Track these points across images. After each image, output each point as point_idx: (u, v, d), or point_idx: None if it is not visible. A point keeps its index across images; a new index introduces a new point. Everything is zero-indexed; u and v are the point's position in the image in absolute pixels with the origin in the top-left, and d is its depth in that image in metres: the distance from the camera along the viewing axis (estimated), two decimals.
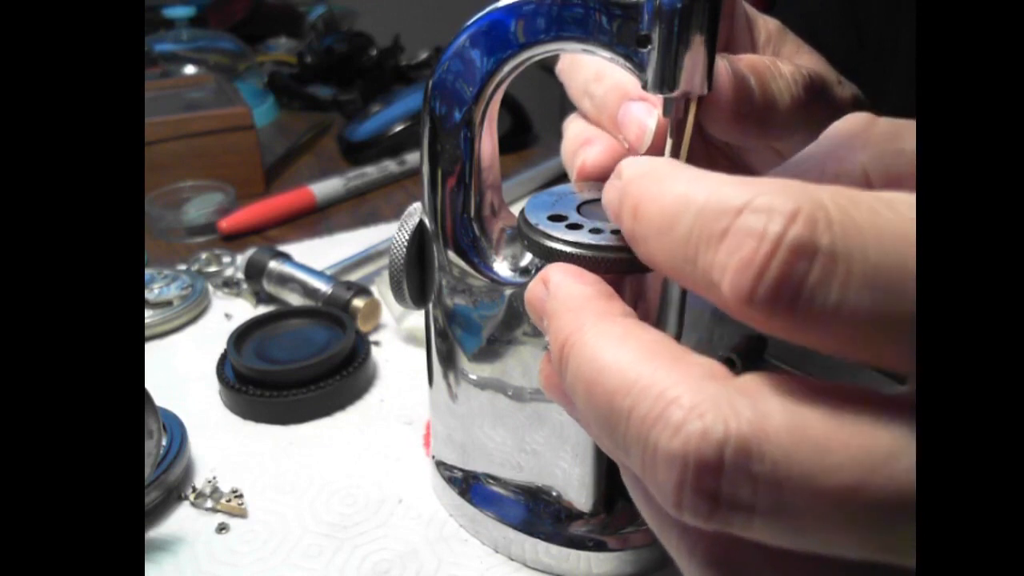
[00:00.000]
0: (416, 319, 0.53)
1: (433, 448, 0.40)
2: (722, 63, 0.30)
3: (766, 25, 0.38)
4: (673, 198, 0.17)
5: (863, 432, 0.15)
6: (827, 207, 0.15)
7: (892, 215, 0.15)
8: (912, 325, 0.14)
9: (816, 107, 0.33)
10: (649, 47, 0.27)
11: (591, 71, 0.36)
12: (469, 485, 0.38)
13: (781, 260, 0.15)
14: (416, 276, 0.35)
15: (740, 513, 0.15)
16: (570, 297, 0.20)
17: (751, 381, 0.16)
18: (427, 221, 0.34)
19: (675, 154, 0.31)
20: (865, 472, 0.14)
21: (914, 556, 0.15)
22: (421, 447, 0.44)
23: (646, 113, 0.32)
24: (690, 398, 0.16)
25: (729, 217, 0.16)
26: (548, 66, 0.42)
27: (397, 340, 0.54)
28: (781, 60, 0.33)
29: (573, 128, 0.36)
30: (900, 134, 0.20)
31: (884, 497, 0.14)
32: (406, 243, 0.34)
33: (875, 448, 0.14)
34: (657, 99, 0.31)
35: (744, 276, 0.15)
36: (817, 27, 0.62)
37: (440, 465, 0.40)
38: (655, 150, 0.32)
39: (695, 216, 0.16)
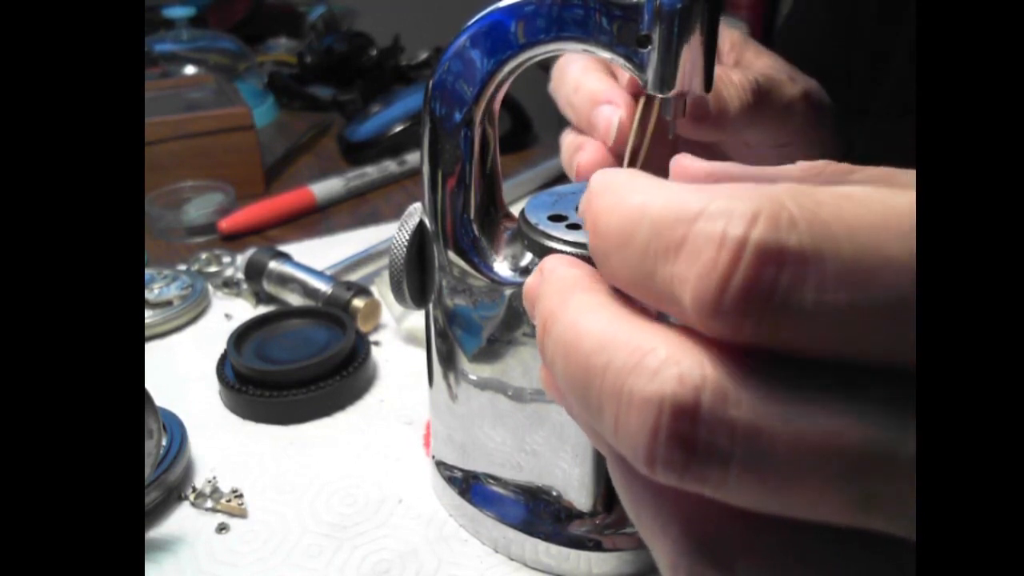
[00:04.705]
0: (416, 319, 0.53)
1: (433, 448, 0.40)
2: None
3: (731, 35, 0.44)
4: (629, 210, 0.16)
5: (842, 392, 0.15)
6: (788, 206, 0.14)
7: (856, 207, 0.14)
8: (899, 314, 0.14)
9: (765, 106, 0.40)
10: (649, 47, 0.28)
11: (571, 85, 0.41)
12: (469, 485, 0.38)
13: (747, 265, 0.14)
14: (416, 276, 0.35)
15: (715, 464, 0.15)
16: (559, 279, 0.20)
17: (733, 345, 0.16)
18: (427, 221, 0.34)
19: (636, 150, 0.35)
20: (844, 425, 0.14)
21: (889, 519, 0.15)
22: (421, 447, 0.44)
23: (612, 112, 0.37)
24: (667, 349, 0.15)
25: (685, 224, 0.15)
26: (548, 66, 0.43)
27: (397, 340, 0.54)
28: (733, 69, 0.39)
29: (567, 139, 0.41)
30: (853, 170, 0.21)
31: (863, 447, 0.14)
32: (406, 243, 0.34)
33: (854, 408, 0.14)
34: (622, 100, 0.37)
35: (707, 286, 0.14)
36: (810, 29, 0.63)
37: (440, 465, 0.40)
38: (621, 142, 0.36)
39: (651, 227, 0.15)
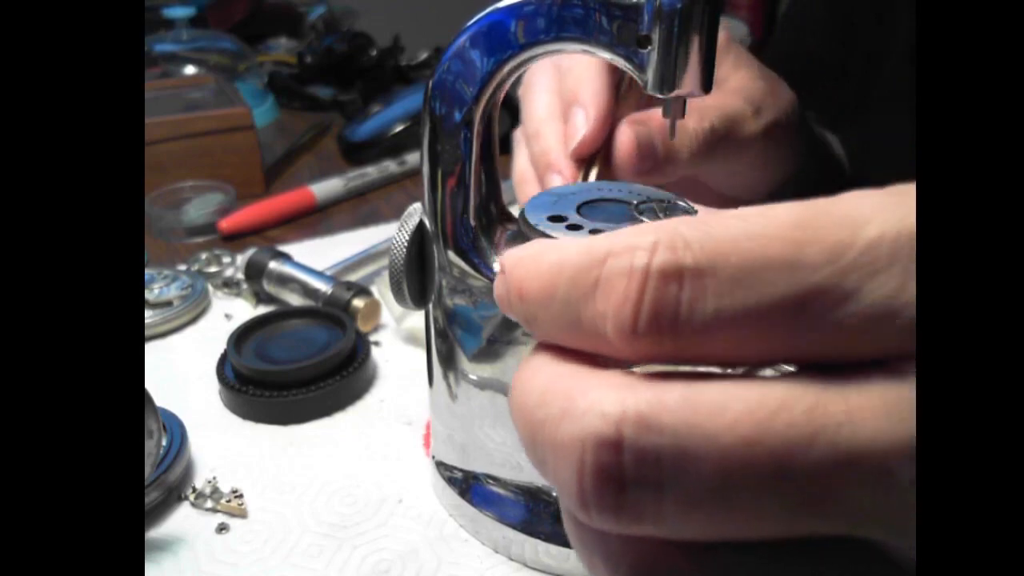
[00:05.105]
0: (416, 319, 0.53)
1: (433, 448, 0.40)
2: (625, 130, 0.39)
3: None
4: (548, 267, 0.17)
5: (755, 388, 0.15)
6: (683, 232, 0.16)
7: (739, 222, 0.16)
8: (786, 311, 0.15)
9: (719, 148, 0.42)
10: (649, 48, 0.28)
11: (532, 127, 0.44)
12: (469, 485, 0.38)
13: (653, 287, 0.15)
14: (416, 276, 0.35)
15: (649, 494, 0.15)
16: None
17: (658, 372, 0.16)
18: (427, 221, 0.34)
19: None
20: (761, 420, 0.15)
21: (831, 519, 0.15)
22: (421, 447, 0.44)
23: (559, 183, 0.41)
24: (595, 393, 0.16)
25: (598, 266, 0.16)
26: None
27: (397, 340, 0.54)
28: (690, 112, 0.40)
29: (519, 162, 0.46)
30: None
31: (785, 443, 0.14)
32: (406, 243, 0.34)
33: (768, 398, 0.15)
34: (568, 172, 0.40)
35: (623, 313, 0.16)
36: (807, 29, 0.63)
37: (440, 465, 0.40)
38: None
39: (569, 277, 0.17)
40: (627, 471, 0.15)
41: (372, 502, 0.40)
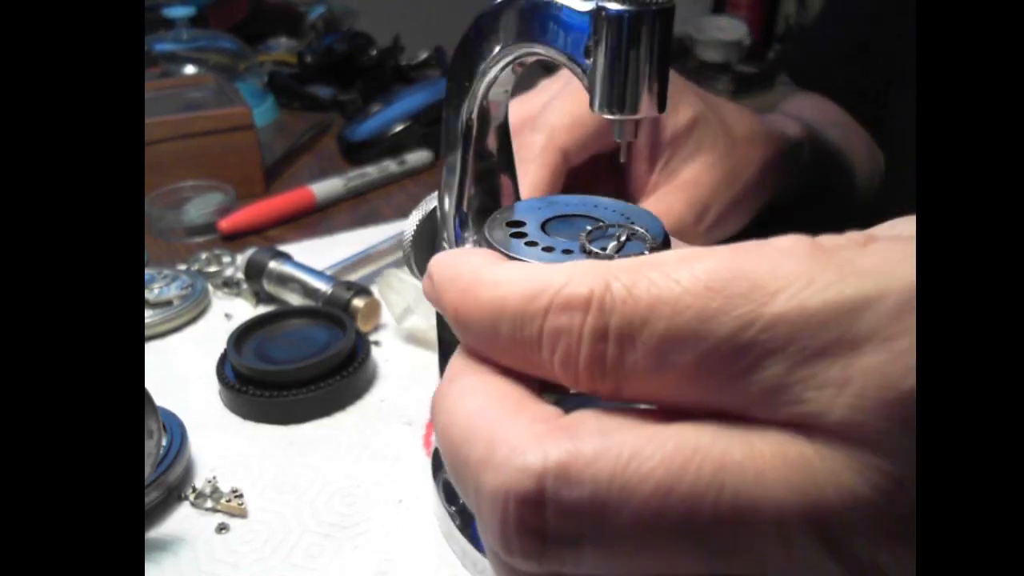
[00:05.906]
0: (416, 319, 0.53)
1: (435, 446, 0.40)
2: None
3: (674, 120, 0.43)
4: (487, 303, 0.19)
5: (671, 434, 0.16)
6: (613, 290, 0.17)
7: (667, 282, 0.17)
8: (693, 374, 0.16)
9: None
10: (591, 60, 0.24)
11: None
12: (469, 518, 0.37)
13: (587, 346, 0.17)
14: (425, 255, 0.36)
15: (569, 546, 0.16)
16: (459, 355, 0.21)
17: (577, 416, 0.18)
18: (438, 210, 0.35)
19: None
20: (675, 470, 0.15)
21: (747, 571, 0.15)
22: (421, 447, 0.44)
23: None
24: (516, 439, 0.17)
25: (540, 318, 0.18)
26: (548, 66, 0.43)
27: (397, 340, 0.54)
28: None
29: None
30: None
31: (696, 491, 0.15)
32: (418, 221, 0.36)
33: (682, 447, 0.16)
34: None
35: (567, 368, 0.18)
36: (824, 62, 0.63)
37: (438, 466, 0.39)
38: None
39: (511, 323, 0.18)
40: (549, 526, 0.16)
41: (372, 502, 0.40)
